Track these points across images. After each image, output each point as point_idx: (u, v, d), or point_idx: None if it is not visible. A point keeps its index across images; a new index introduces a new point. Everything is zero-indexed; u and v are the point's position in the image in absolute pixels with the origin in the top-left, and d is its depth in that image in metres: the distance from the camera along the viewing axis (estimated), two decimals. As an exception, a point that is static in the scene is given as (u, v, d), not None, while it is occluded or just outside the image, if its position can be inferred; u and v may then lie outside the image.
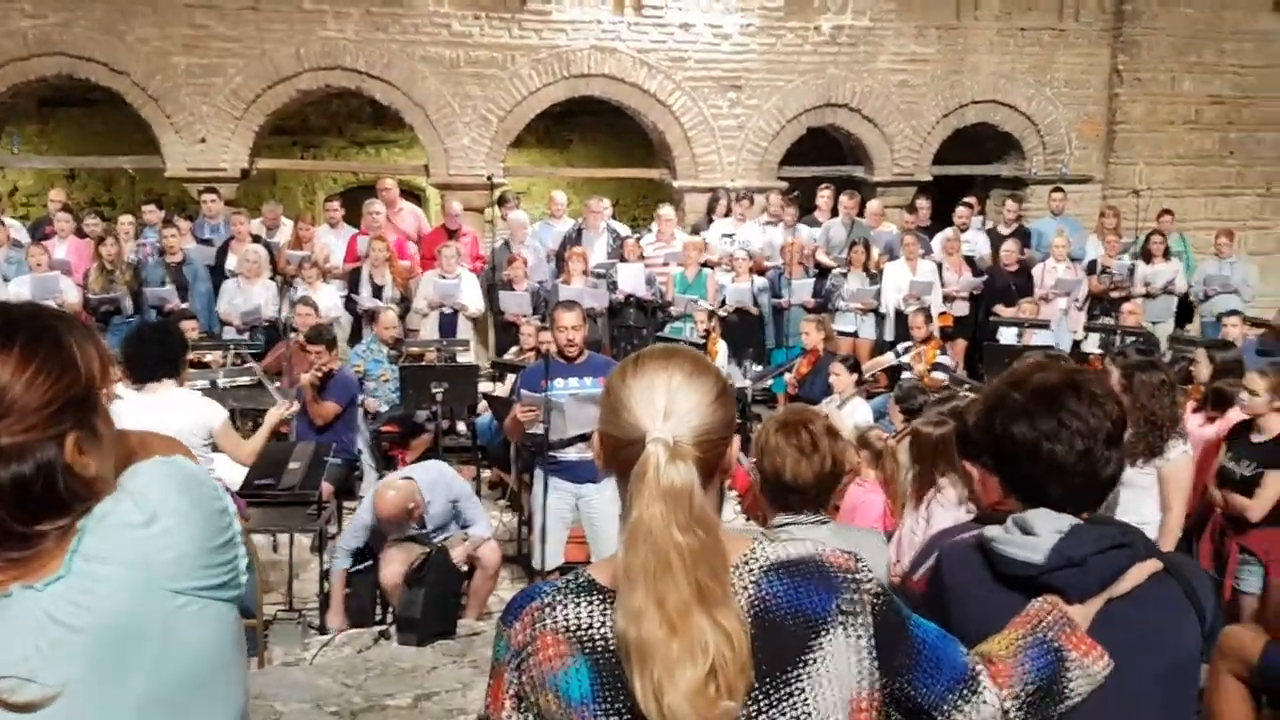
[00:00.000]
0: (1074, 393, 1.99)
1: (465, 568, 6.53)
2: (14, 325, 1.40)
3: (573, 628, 1.49)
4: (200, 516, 1.46)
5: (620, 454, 1.52)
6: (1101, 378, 2.14)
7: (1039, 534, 1.95)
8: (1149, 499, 5.11)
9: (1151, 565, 1.98)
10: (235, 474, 6.13)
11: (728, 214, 12.13)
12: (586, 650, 1.47)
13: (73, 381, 1.40)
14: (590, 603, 1.51)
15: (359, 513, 6.76)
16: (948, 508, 4.38)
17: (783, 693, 1.47)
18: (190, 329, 9.08)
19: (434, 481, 6.60)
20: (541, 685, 1.48)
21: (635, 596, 1.40)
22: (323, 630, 6.42)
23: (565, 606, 1.51)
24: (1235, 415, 5.92)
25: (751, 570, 1.52)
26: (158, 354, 5.31)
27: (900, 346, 10.11)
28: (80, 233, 11.22)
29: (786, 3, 12.87)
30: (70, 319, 1.49)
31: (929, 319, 9.92)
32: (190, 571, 1.42)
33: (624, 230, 12.24)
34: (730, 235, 11.85)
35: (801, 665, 1.48)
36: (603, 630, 1.48)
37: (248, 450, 5.89)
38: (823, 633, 1.50)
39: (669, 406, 1.50)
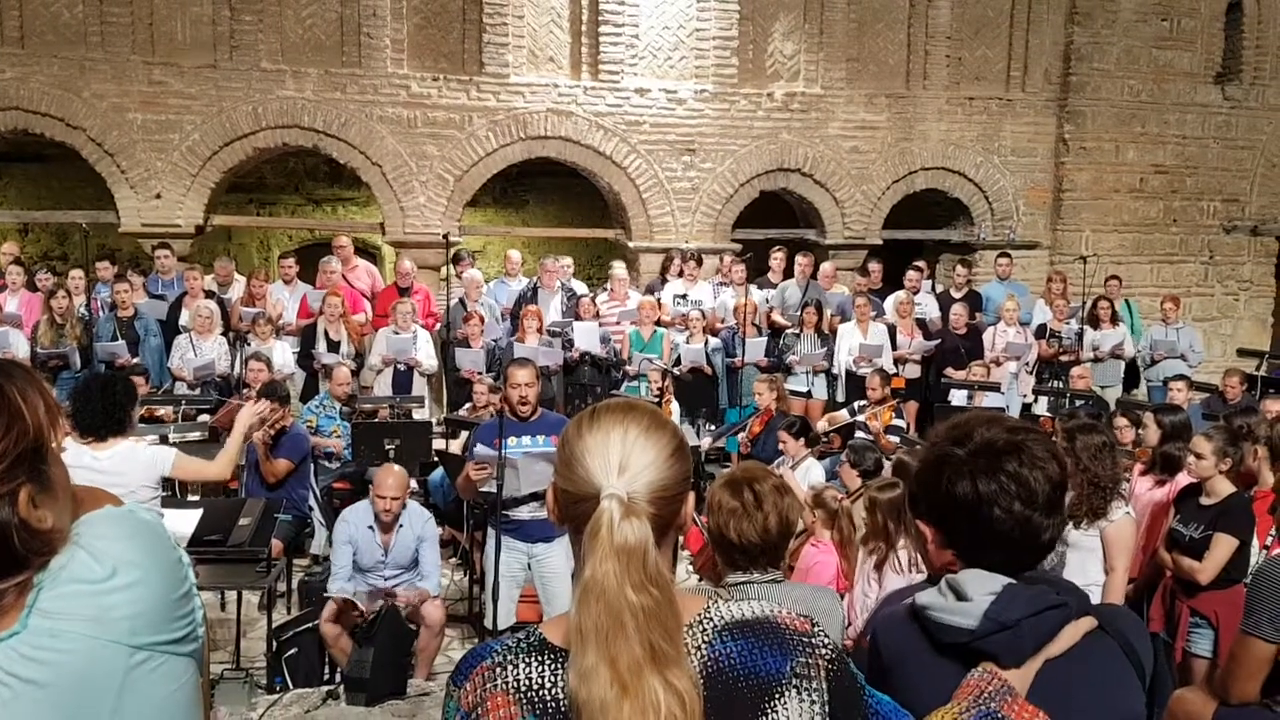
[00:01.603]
0: (1016, 455, 1.96)
1: (415, 626, 6.48)
2: None
3: (523, 688, 1.46)
4: (158, 570, 1.43)
5: (574, 509, 1.50)
6: (1046, 437, 2.12)
7: (971, 597, 1.93)
8: (1093, 560, 5.18)
9: (1086, 623, 1.96)
10: (184, 529, 6.06)
11: (681, 274, 12.23)
12: (537, 711, 1.44)
13: (21, 434, 1.35)
14: (541, 662, 1.48)
15: (337, 534, 6.75)
16: (899, 572, 4.41)
17: None
18: (140, 385, 8.99)
19: (413, 510, 6.78)
20: None
21: (587, 656, 1.37)
22: (271, 688, 6.33)
23: (516, 666, 1.48)
24: (1184, 478, 6.00)
25: (705, 630, 1.50)
26: (106, 407, 5.24)
27: (857, 404, 10.20)
28: (32, 286, 11.11)
29: (740, 70, 13.09)
30: (10, 367, 1.43)
31: (885, 380, 10.00)
32: (149, 627, 1.39)
33: (582, 289, 12.29)
34: (683, 296, 11.94)
35: None
36: (554, 691, 1.45)
37: (216, 466, 5.80)
38: (776, 696, 1.47)
39: (624, 462, 1.49)
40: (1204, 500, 5.60)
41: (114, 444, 5.23)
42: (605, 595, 1.38)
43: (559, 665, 1.46)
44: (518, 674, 1.47)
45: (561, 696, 1.44)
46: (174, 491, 7.94)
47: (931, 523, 2.09)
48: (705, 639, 1.49)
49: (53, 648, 1.32)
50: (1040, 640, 1.91)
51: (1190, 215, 14.35)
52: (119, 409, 5.32)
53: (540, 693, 1.45)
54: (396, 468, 6.87)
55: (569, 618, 1.43)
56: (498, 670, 1.48)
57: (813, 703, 1.49)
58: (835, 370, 11.32)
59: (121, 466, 5.12)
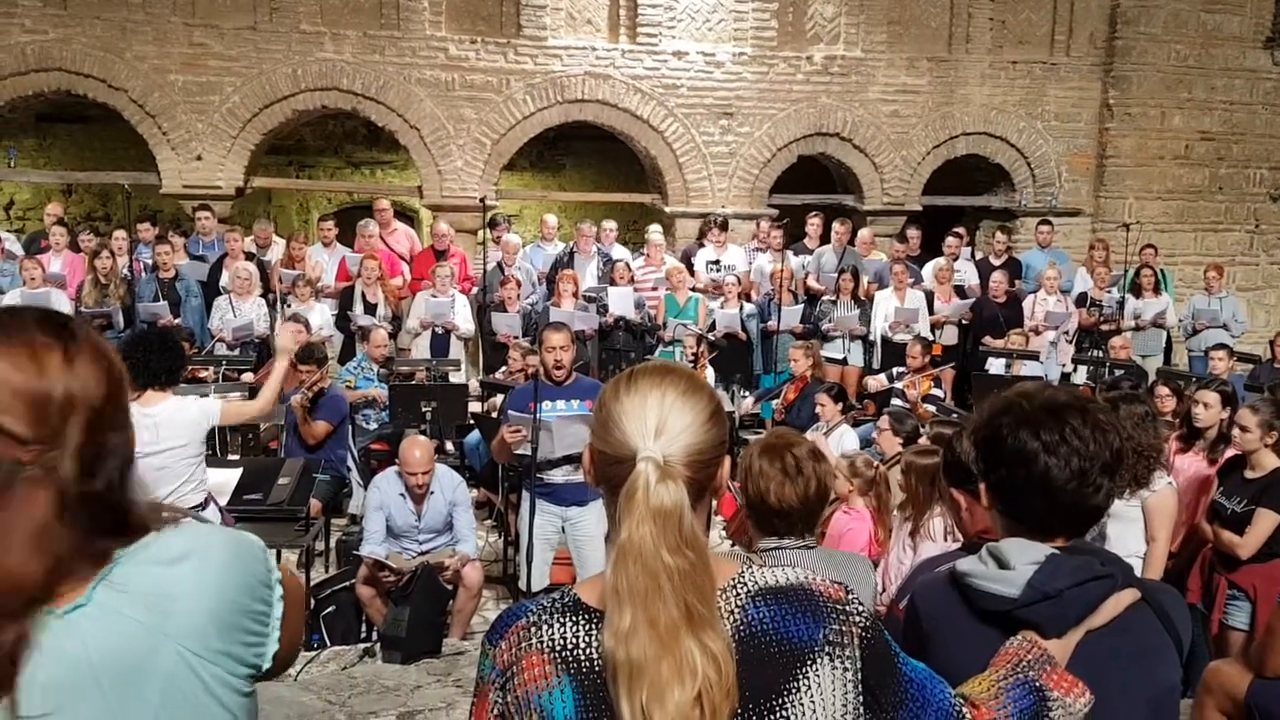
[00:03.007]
0: (1080, 414, 1.97)
1: (451, 586, 6.54)
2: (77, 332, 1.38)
3: (558, 647, 1.47)
4: (234, 573, 1.39)
5: (610, 471, 1.51)
6: (1109, 409, 2.11)
7: (1013, 566, 1.93)
8: (1135, 531, 5.14)
9: (1129, 595, 1.96)
10: (224, 483, 6.14)
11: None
12: (572, 670, 1.45)
13: (119, 384, 1.39)
14: (576, 622, 1.49)
15: (369, 500, 6.81)
16: (935, 540, 4.40)
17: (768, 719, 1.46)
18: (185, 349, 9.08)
19: (442, 474, 6.79)
20: (526, 705, 1.46)
21: (624, 617, 1.38)
22: (309, 645, 6.42)
23: (551, 626, 1.49)
24: (1228, 451, 5.94)
25: (739, 595, 1.50)
26: (159, 361, 5.30)
27: (895, 370, 10.15)
28: (75, 247, 11.23)
29: (779, 32, 12.96)
30: (87, 325, 1.45)
31: (926, 349, 9.92)
32: (206, 628, 1.35)
33: (624, 254, 12.24)
34: (715, 262, 11.90)
35: (786, 694, 1.46)
36: (588, 650, 1.46)
37: (259, 404, 5.83)
38: (809, 662, 1.47)
39: (661, 425, 1.49)
40: (1248, 474, 5.53)
41: (161, 400, 5.29)
42: (642, 557, 1.39)
43: (594, 626, 1.47)
44: (553, 633, 1.48)
45: (596, 656, 1.45)
46: (214, 450, 8.03)
47: (985, 474, 2.08)
48: (738, 603, 1.49)
49: (107, 626, 1.30)
50: (1083, 611, 1.91)
51: (1236, 183, 14.10)
52: (177, 360, 5.40)
53: (575, 652, 1.47)
54: (421, 439, 6.90)
55: (605, 578, 1.44)
56: (533, 630, 1.50)
57: (845, 670, 1.50)
58: (871, 337, 11.26)
59: (173, 421, 5.20)
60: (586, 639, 1.47)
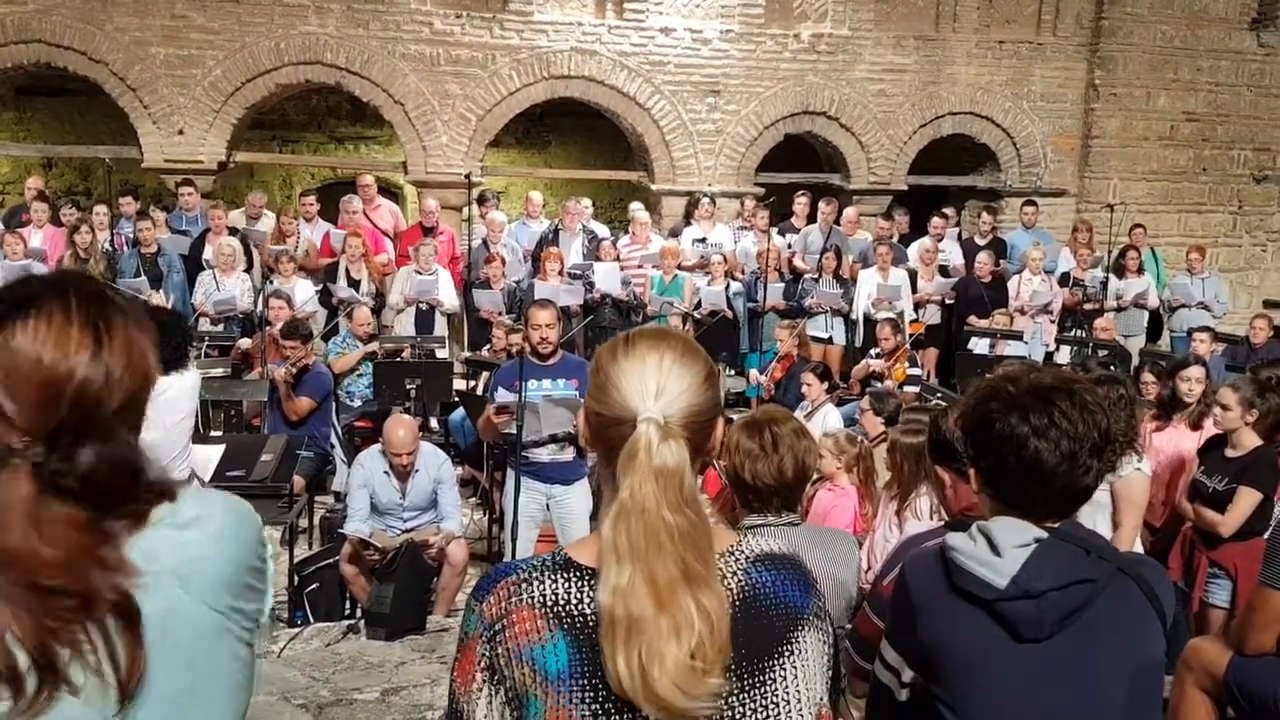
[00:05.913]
0: (1068, 396, 1.98)
1: (435, 564, 6.54)
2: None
3: (549, 602, 1.48)
4: (239, 533, 1.44)
5: (608, 433, 1.53)
6: (1096, 390, 2.12)
7: (1002, 551, 1.93)
8: (1102, 514, 5.11)
9: None
10: (207, 459, 6.12)
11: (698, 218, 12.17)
12: (565, 625, 1.47)
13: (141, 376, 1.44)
14: (568, 579, 1.50)
15: (353, 478, 6.78)
16: (921, 519, 4.42)
17: (758, 679, 1.50)
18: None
19: (427, 452, 6.76)
20: (518, 658, 1.47)
21: (623, 573, 1.40)
22: (292, 622, 6.41)
23: (543, 582, 1.50)
24: (1209, 429, 5.98)
25: (739, 559, 1.55)
26: (179, 343, 5.26)
27: (873, 352, 10.17)
28: (56, 221, 11.13)
29: (766, 10, 12.91)
30: (127, 304, 1.48)
31: (897, 329, 9.90)
32: (226, 589, 1.40)
33: (603, 231, 12.22)
34: (702, 239, 11.88)
35: (778, 656, 1.52)
36: (581, 606, 1.48)
37: None
38: (802, 627, 1.55)
39: (660, 386, 1.51)
40: (1229, 452, 5.57)
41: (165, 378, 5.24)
42: (644, 515, 1.42)
43: (584, 582, 1.50)
44: (544, 589, 1.50)
45: (589, 612, 1.47)
46: (198, 426, 8.00)
47: (961, 472, 2.09)
48: (740, 567, 1.55)
49: (142, 595, 1.32)
50: (1062, 615, 1.92)
51: (1220, 164, 14.12)
52: (188, 342, 5.36)
53: (567, 607, 1.48)
54: (405, 418, 6.89)
55: (601, 538, 1.46)
56: (523, 585, 1.51)
57: (823, 642, 1.58)
58: (854, 315, 11.27)
59: (181, 393, 5.17)
60: (579, 594, 1.49)
